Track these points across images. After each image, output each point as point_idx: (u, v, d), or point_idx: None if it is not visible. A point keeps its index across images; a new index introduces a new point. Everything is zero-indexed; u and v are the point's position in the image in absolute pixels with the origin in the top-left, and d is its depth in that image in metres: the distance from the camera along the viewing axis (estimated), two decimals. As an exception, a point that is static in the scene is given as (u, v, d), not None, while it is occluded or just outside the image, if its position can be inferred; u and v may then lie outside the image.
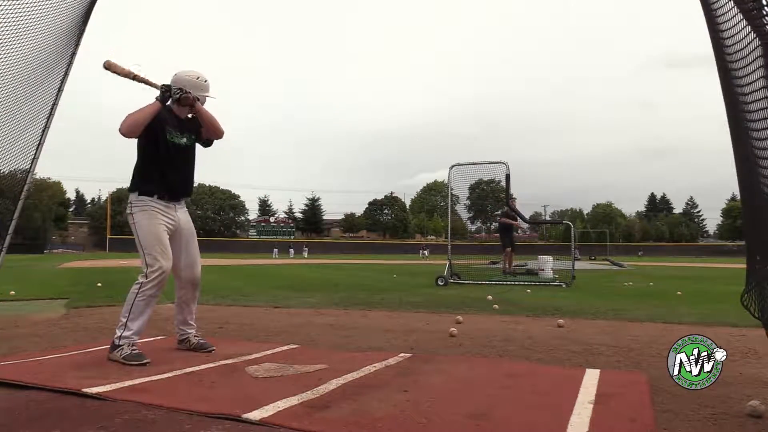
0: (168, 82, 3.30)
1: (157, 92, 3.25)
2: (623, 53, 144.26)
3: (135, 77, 3.26)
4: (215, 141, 3.55)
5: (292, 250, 52.51)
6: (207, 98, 3.41)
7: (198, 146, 3.50)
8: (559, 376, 2.81)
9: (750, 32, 1.95)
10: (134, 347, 3.02)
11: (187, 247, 3.38)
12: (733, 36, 2.12)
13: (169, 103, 3.31)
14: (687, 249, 69.45)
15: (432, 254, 51.18)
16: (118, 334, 3.03)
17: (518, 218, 12.17)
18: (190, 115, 3.40)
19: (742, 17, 2.00)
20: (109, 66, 3.23)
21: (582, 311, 5.80)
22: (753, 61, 1.97)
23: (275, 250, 48.60)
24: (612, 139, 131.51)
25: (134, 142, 3.27)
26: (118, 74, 3.23)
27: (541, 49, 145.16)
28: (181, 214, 3.36)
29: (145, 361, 2.93)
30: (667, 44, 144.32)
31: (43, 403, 2.24)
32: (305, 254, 49.75)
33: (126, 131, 3.10)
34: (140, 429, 1.92)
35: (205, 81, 3.40)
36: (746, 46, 2.01)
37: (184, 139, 3.35)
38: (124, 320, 3.06)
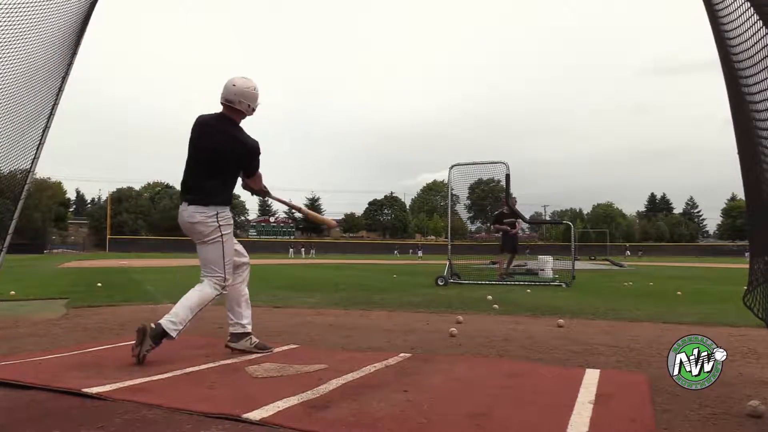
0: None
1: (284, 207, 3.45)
2: (623, 55, 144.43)
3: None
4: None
5: (313, 251, 51.91)
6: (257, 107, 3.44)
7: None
8: (559, 376, 2.81)
9: (758, 30, 1.93)
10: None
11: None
12: (739, 36, 2.12)
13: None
14: (687, 249, 69.46)
15: (403, 254, 51.33)
16: (179, 328, 3.05)
17: (516, 221, 12.07)
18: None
19: (747, 17, 1.99)
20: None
21: (582, 311, 5.79)
22: (761, 60, 1.96)
23: (291, 249, 48.32)
24: (612, 140, 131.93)
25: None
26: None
27: (543, 51, 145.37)
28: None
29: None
30: (667, 48, 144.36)
31: (43, 403, 2.24)
32: (292, 254, 48.85)
33: None
34: (140, 429, 1.92)
35: (256, 89, 3.43)
36: (754, 45, 2.00)
37: None
38: (189, 319, 3.12)
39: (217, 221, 3.25)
